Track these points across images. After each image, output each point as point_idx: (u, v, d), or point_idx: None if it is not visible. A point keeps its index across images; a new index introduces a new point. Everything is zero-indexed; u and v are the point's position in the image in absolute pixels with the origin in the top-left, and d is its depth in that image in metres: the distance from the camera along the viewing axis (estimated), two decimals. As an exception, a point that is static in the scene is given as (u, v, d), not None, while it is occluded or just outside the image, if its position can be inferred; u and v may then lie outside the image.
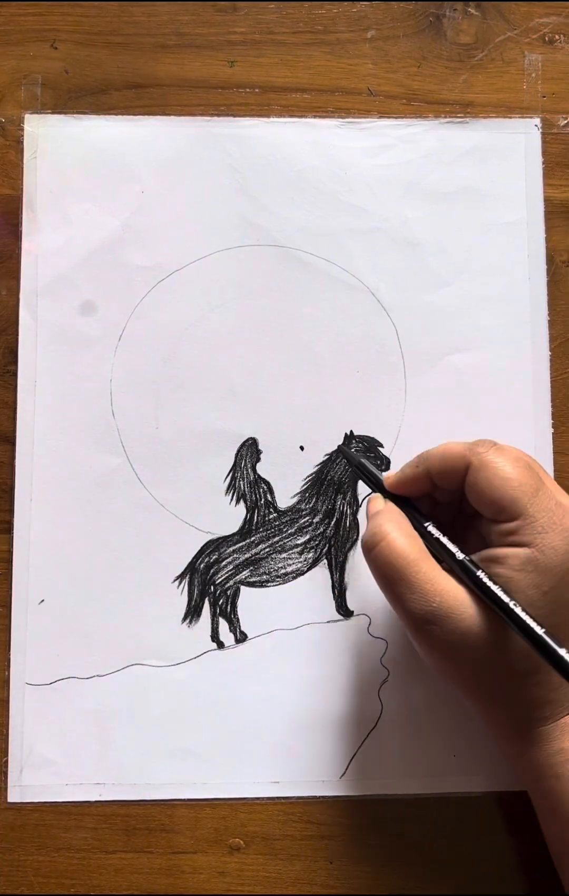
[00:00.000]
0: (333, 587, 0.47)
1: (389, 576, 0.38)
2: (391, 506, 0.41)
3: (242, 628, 0.47)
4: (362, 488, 0.48)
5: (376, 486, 0.43)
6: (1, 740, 0.45)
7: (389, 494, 0.42)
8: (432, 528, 0.40)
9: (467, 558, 0.38)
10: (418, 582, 0.37)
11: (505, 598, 0.36)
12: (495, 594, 0.36)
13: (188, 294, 0.48)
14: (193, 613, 0.47)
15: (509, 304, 0.49)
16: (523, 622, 0.36)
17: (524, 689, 0.38)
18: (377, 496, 0.42)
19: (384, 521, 0.39)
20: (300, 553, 0.47)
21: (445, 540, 0.39)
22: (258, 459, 0.48)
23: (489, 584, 0.37)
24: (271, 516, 0.47)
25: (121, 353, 0.48)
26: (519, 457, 0.38)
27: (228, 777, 0.46)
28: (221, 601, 0.47)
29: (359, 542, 0.47)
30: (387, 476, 0.42)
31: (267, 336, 0.48)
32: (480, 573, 0.37)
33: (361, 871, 0.45)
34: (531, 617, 0.36)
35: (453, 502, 0.42)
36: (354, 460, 0.45)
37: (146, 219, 0.48)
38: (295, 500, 0.48)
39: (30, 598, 0.46)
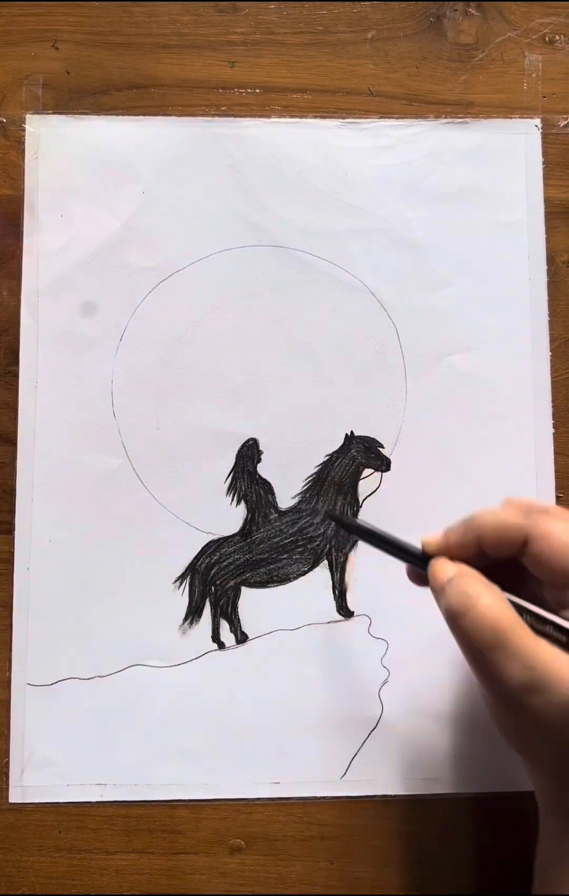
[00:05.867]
0: (334, 588, 0.47)
1: (486, 643, 0.34)
2: (466, 567, 0.37)
3: (243, 629, 0.47)
4: (362, 488, 0.48)
5: (414, 558, 0.40)
6: (2, 741, 0.45)
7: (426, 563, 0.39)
8: (513, 598, 0.36)
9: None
10: (519, 648, 0.34)
11: None
12: None
13: (189, 294, 0.48)
14: (193, 614, 0.47)
15: (509, 304, 0.49)
16: None
17: None
18: (442, 560, 0.38)
19: (469, 583, 0.36)
20: (301, 553, 0.47)
21: (533, 607, 0.36)
22: (259, 460, 0.48)
23: None
24: (272, 517, 0.47)
25: (122, 354, 0.48)
26: None
27: (228, 777, 0.46)
28: (222, 602, 0.47)
29: (358, 545, 0.47)
30: (427, 542, 0.39)
31: (268, 336, 0.48)
32: None
33: (362, 872, 0.45)
34: None
35: (494, 565, 0.38)
36: (386, 539, 0.40)
37: (147, 219, 0.48)
38: (296, 500, 0.48)
39: (31, 598, 0.46)
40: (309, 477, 0.48)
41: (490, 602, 0.35)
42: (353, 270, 0.49)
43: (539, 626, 0.35)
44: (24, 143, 0.49)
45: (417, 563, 0.39)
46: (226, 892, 0.45)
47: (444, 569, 0.38)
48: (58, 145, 0.49)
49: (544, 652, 0.34)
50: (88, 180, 0.49)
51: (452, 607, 0.35)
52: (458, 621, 0.35)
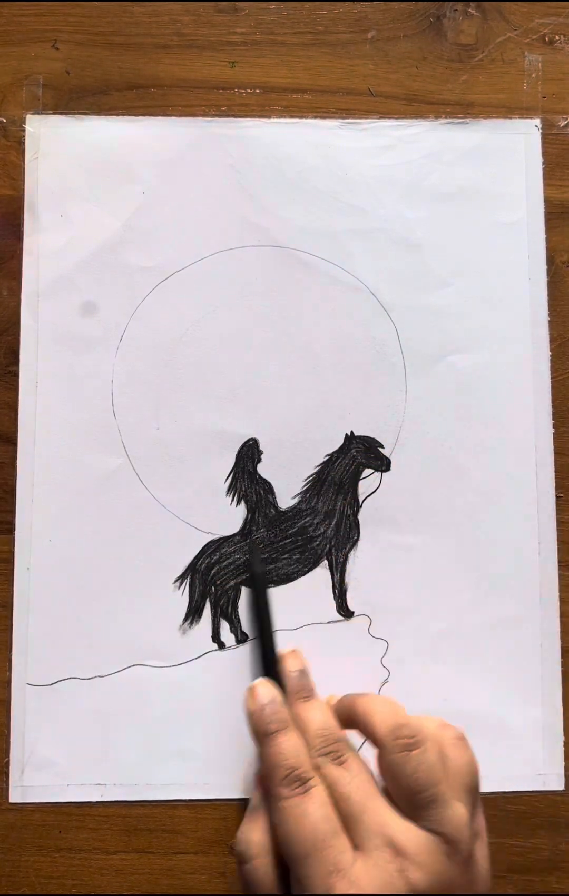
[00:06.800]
0: (334, 588, 0.47)
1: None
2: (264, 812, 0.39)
3: (243, 629, 0.47)
4: (363, 489, 0.48)
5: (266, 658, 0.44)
6: (2, 741, 0.45)
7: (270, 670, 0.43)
8: None
9: None
10: None
11: None
12: None
13: (189, 294, 0.48)
14: (193, 614, 0.47)
15: (509, 304, 0.49)
16: None
17: None
18: (265, 684, 0.42)
19: (253, 834, 0.39)
20: (301, 553, 0.47)
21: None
22: (259, 460, 0.48)
23: None
24: (272, 517, 0.47)
25: (122, 354, 0.48)
26: (314, 811, 0.37)
27: (229, 777, 0.46)
28: (222, 602, 0.47)
29: (359, 545, 0.47)
30: (249, 697, 0.41)
31: (267, 336, 0.48)
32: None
33: (362, 871, 0.45)
34: None
35: None
36: (259, 614, 0.45)
37: (147, 219, 0.48)
38: (296, 500, 0.48)
39: (31, 598, 0.46)
40: (309, 477, 0.48)
41: (256, 866, 0.38)
42: (353, 270, 0.49)
43: None
44: (24, 143, 0.49)
45: (260, 664, 0.44)
46: (226, 892, 0.45)
47: (259, 695, 0.41)
48: (58, 145, 0.49)
49: None
50: (88, 180, 0.49)
51: (235, 852, 0.39)
52: (238, 865, 0.39)
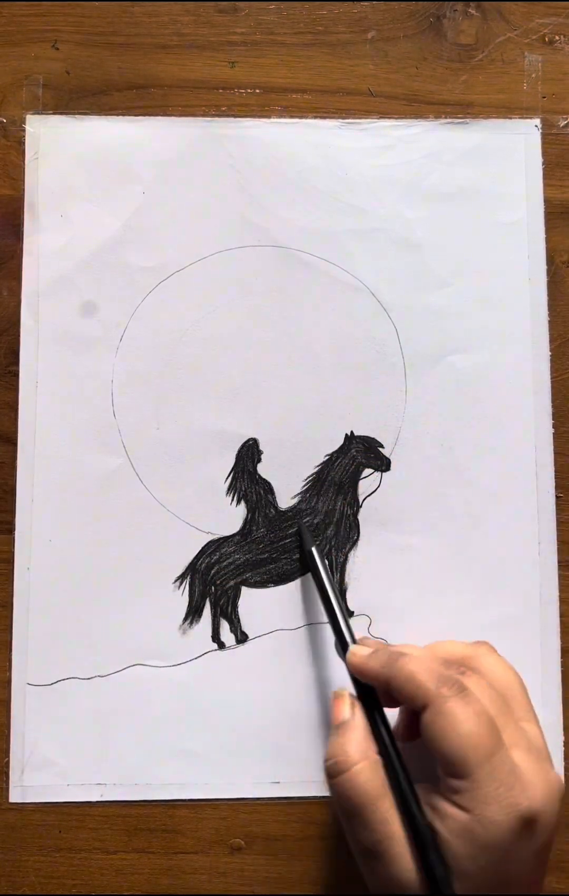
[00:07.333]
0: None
1: (348, 809, 0.37)
2: (358, 719, 0.39)
3: (243, 628, 0.47)
4: (363, 489, 0.48)
5: (341, 646, 0.42)
6: (2, 741, 0.45)
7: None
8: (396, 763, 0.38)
9: (424, 824, 0.36)
10: (373, 821, 0.36)
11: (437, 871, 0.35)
12: (432, 864, 0.35)
13: (189, 294, 0.48)
14: (193, 614, 0.47)
15: (508, 304, 0.49)
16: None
17: None
18: (344, 695, 0.40)
19: (348, 745, 0.38)
20: (301, 553, 0.47)
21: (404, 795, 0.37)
22: (259, 460, 0.48)
23: (432, 856, 0.35)
24: (272, 516, 0.47)
25: (122, 354, 0.48)
26: (482, 710, 0.35)
27: (228, 777, 0.46)
28: (222, 601, 0.47)
29: (358, 545, 0.47)
30: (354, 654, 0.40)
31: (267, 336, 0.48)
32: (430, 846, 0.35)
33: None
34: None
35: None
36: (335, 607, 0.43)
37: (147, 219, 0.48)
38: (296, 500, 0.48)
39: (31, 598, 0.46)
40: (309, 477, 0.48)
41: (361, 769, 0.37)
42: (353, 270, 0.49)
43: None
44: (24, 143, 0.49)
45: (340, 641, 0.42)
46: (226, 891, 0.45)
47: (340, 709, 0.40)
48: (58, 145, 0.49)
49: (393, 827, 0.36)
50: (88, 180, 0.49)
51: (327, 767, 0.38)
52: (330, 780, 0.38)
